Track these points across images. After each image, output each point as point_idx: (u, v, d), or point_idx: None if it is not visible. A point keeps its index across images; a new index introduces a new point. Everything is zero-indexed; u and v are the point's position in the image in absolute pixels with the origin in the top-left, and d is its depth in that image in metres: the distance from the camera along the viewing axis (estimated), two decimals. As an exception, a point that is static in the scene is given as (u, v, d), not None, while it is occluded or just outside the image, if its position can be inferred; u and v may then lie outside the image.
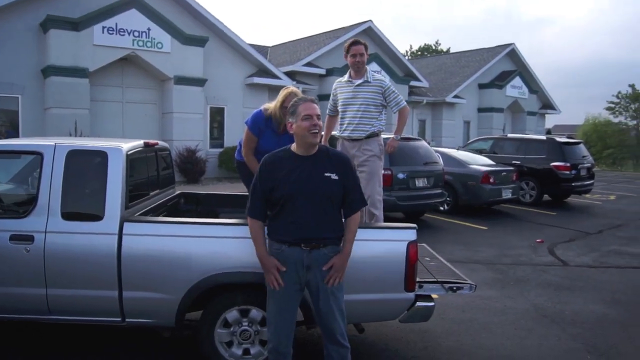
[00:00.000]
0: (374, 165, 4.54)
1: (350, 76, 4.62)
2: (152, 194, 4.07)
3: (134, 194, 3.56)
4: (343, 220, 2.93)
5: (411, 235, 3.26)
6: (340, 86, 4.72)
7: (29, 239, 3.23)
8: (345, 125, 4.63)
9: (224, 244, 3.24)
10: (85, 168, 3.41)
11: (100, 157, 3.34)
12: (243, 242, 3.09)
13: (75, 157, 3.37)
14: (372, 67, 19.89)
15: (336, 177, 2.85)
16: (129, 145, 3.52)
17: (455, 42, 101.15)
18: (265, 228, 2.91)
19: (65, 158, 3.33)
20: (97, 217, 3.25)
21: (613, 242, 8.52)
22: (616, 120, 35.77)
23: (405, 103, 4.66)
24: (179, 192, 4.78)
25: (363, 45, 4.48)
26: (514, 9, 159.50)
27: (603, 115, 35.47)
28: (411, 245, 3.21)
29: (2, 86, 12.45)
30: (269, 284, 2.85)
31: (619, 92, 36.83)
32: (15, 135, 12.69)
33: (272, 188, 2.81)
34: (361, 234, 3.14)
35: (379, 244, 3.29)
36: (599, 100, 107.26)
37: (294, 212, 2.79)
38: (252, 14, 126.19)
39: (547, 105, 29.62)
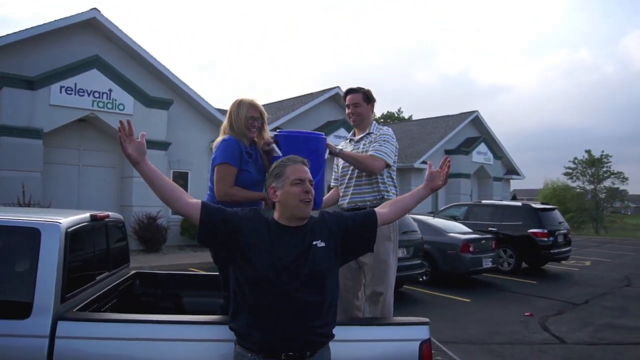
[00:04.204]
0: (381, 249, 3.29)
1: (353, 133, 3.82)
2: (99, 277, 3.31)
3: (74, 279, 2.81)
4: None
5: (424, 332, 2.56)
6: (342, 146, 3.76)
7: None
8: (341, 194, 3.67)
9: (192, 348, 2.44)
10: (11, 250, 2.67)
11: (30, 236, 2.58)
12: (219, 346, 2.38)
13: (-2, 235, 2.65)
14: (340, 133, 19.53)
15: (323, 244, 2.21)
16: (69, 219, 2.79)
17: (415, 110, 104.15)
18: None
19: (-16, 237, 2.61)
20: (23, 314, 2.47)
21: (603, 313, 8.06)
22: (574, 184, 36.55)
23: (383, 158, 3.46)
24: (133, 272, 4.02)
25: (361, 93, 3.61)
26: (469, 77, 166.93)
27: (561, 180, 36.28)
28: (425, 345, 2.52)
29: (-54, 148, 11.49)
30: None
31: (575, 158, 37.83)
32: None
33: (237, 238, 2.18)
34: (359, 332, 2.51)
35: (382, 345, 2.56)
36: (554, 165, 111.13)
37: (271, 307, 2.11)
38: (218, 78, 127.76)
39: (512, 170, 30.01)
